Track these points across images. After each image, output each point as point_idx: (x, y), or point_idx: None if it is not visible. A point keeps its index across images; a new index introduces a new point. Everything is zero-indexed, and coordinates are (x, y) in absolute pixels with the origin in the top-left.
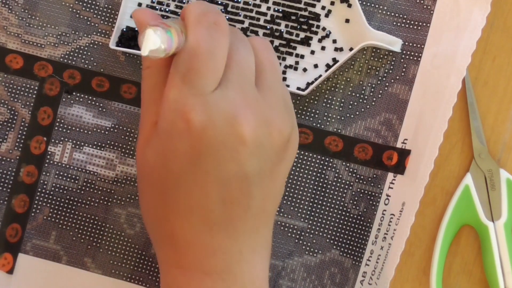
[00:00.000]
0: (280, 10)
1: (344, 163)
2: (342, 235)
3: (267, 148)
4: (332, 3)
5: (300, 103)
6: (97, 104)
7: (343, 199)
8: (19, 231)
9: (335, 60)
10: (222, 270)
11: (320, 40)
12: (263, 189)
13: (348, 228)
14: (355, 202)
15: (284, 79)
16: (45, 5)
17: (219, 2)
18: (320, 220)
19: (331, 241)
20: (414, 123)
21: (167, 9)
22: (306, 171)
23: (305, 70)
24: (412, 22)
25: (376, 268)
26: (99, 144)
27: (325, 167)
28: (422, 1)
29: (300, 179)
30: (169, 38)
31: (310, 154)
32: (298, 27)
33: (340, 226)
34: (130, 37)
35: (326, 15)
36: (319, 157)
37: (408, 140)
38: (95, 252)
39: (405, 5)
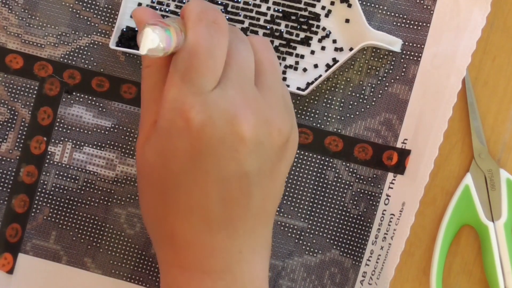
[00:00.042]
0: (280, 10)
1: (344, 163)
2: (342, 235)
3: (267, 147)
4: (332, 3)
5: (300, 103)
6: (97, 104)
7: (343, 199)
8: (19, 231)
9: (335, 60)
10: (222, 270)
11: (320, 40)
12: (263, 188)
13: (348, 228)
14: (355, 202)
15: (284, 79)
16: (45, 5)
17: (219, 2)
18: (320, 220)
19: (331, 241)
20: (414, 123)
21: (167, 9)
22: (306, 171)
23: (305, 70)
24: (412, 22)
25: (376, 268)
26: (99, 144)
27: (325, 167)
28: (422, 1)
29: (300, 179)
30: (168, 37)
31: (310, 154)
32: (298, 27)
33: (340, 226)
34: (130, 37)
35: (326, 15)
36: (319, 157)
37: (408, 140)
38: (95, 252)
39: (405, 5)
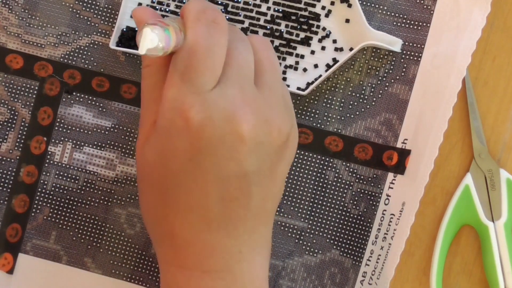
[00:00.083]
0: (280, 10)
1: (344, 163)
2: (342, 235)
3: (267, 146)
4: (332, 3)
5: (300, 103)
6: (97, 104)
7: (343, 199)
8: (19, 231)
9: (335, 60)
10: (221, 269)
11: (320, 40)
12: (263, 188)
13: (348, 228)
14: (355, 202)
15: (284, 79)
16: (45, 5)
17: (219, 2)
18: (320, 220)
19: (331, 241)
20: (414, 123)
21: (167, 9)
22: (306, 171)
23: (305, 70)
24: (412, 22)
25: (376, 268)
26: (99, 144)
27: (325, 167)
28: (422, 1)
29: (300, 179)
30: (167, 36)
31: (310, 154)
32: (298, 27)
33: (340, 226)
34: (130, 37)
35: (326, 15)
36: (319, 157)
37: (408, 140)
38: (95, 252)
39: (405, 5)
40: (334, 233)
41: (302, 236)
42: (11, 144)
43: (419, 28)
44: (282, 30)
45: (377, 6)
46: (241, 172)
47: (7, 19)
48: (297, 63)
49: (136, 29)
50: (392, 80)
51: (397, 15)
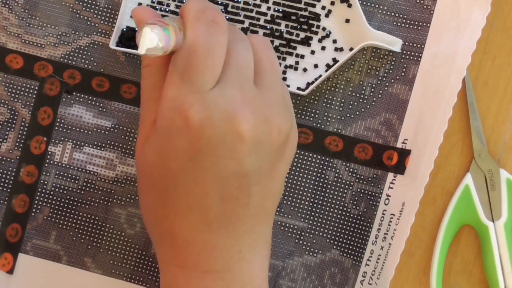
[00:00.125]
0: (280, 10)
1: (344, 163)
2: (342, 235)
3: (266, 146)
4: (332, 3)
5: (300, 103)
6: (97, 104)
7: (343, 199)
8: (19, 231)
9: (335, 60)
10: (221, 269)
11: (320, 40)
12: (262, 187)
13: (348, 228)
14: (355, 202)
15: (284, 79)
16: (45, 5)
17: (219, 2)
18: (320, 220)
19: (331, 241)
20: (414, 123)
21: (167, 9)
22: (306, 171)
23: (305, 70)
24: (412, 22)
25: (376, 268)
26: (99, 144)
27: (325, 167)
28: (422, 1)
29: (300, 179)
30: (167, 36)
31: (310, 154)
32: (298, 27)
33: (340, 226)
34: (130, 37)
35: (326, 15)
36: (319, 157)
37: (408, 140)
38: (95, 252)
39: (405, 5)
40: (334, 233)
41: (302, 236)
42: (11, 144)
43: (419, 28)
44: (282, 30)
45: (377, 6)
46: (241, 172)
47: (7, 19)
48: (297, 63)
49: (136, 29)
50: (392, 80)
51: (397, 15)
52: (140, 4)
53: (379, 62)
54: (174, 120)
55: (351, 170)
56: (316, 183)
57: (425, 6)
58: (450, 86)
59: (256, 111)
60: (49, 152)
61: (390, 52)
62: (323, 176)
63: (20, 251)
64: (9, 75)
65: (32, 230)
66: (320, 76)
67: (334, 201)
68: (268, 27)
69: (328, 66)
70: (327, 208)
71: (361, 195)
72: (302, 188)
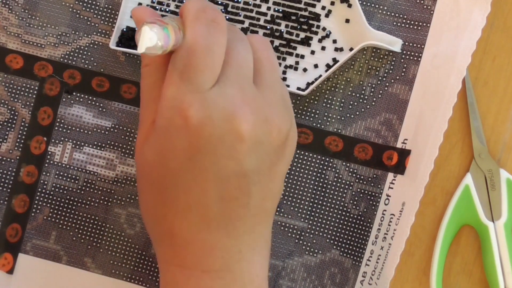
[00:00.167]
0: (280, 10)
1: (344, 163)
2: (342, 235)
3: (266, 145)
4: (332, 3)
5: (300, 103)
6: (97, 104)
7: (343, 199)
8: (19, 231)
9: (335, 60)
10: (221, 269)
11: (320, 40)
12: (262, 187)
13: (348, 228)
14: (355, 202)
15: (284, 79)
16: (45, 5)
17: (219, 2)
18: (320, 220)
19: (331, 241)
20: (414, 123)
21: (167, 9)
22: (306, 171)
23: (305, 70)
24: (412, 22)
25: (376, 268)
26: (99, 144)
27: (325, 167)
28: (422, 1)
29: (300, 179)
30: (166, 35)
31: (310, 154)
32: (298, 27)
33: (340, 226)
34: (130, 37)
35: (326, 15)
36: (319, 157)
37: (408, 140)
38: (95, 252)
39: (405, 5)
40: (334, 233)
41: (302, 236)
42: (11, 144)
43: (419, 28)
44: (282, 30)
45: (377, 6)
46: (240, 172)
47: (7, 19)
48: (297, 63)
49: (136, 29)
50: (392, 80)
51: (397, 15)
52: (140, 4)
53: (379, 62)
54: (174, 119)
55: (351, 170)
56: (316, 183)
57: (425, 6)
58: (450, 86)
59: (256, 111)
60: (49, 152)
61: (390, 52)
62: (323, 176)
63: (20, 251)
64: (9, 75)
65: (32, 230)
66: (320, 76)
67: (334, 201)
68: (268, 27)
69: (328, 66)
70: (327, 208)
71: (361, 195)
72: (302, 188)
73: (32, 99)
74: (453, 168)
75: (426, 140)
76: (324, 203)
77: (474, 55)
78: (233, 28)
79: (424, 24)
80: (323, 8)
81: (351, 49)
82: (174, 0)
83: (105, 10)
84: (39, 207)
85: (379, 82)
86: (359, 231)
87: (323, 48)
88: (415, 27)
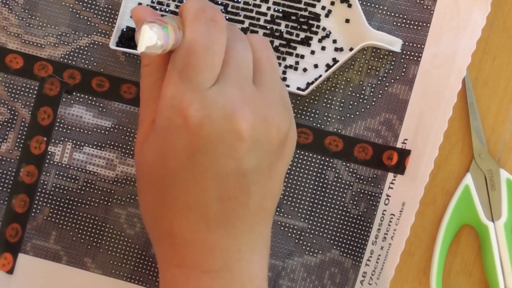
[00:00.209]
0: (280, 10)
1: (344, 163)
2: (342, 235)
3: (265, 145)
4: (332, 3)
5: (300, 103)
6: (97, 104)
7: (343, 199)
8: (19, 231)
9: (335, 60)
10: (220, 268)
11: (320, 40)
12: (262, 186)
13: (348, 228)
14: (355, 202)
15: (284, 79)
16: (45, 5)
17: (219, 2)
18: (320, 220)
19: (331, 241)
20: (414, 123)
21: (167, 9)
22: (306, 171)
23: (305, 70)
24: (412, 22)
25: (376, 268)
26: (99, 144)
27: (325, 167)
28: (422, 1)
29: (300, 179)
30: (166, 34)
31: (310, 154)
32: (298, 27)
33: (340, 226)
34: (130, 37)
35: (326, 15)
36: (319, 157)
37: (408, 140)
38: (95, 252)
39: (405, 5)
40: (334, 233)
41: (302, 236)
42: (11, 144)
43: (419, 28)
44: (282, 30)
45: (377, 6)
46: (240, 171)
47: (7, 19)
48: (297, 63)
49: (136, 28)
50: (392, 80)
51: (397, 15)
52: (140, 4)
53: (379, 62)
54: (173, 118)
55: (351, 170)
56: (316, 183)
57: (425, 6)
58: (450, 86)
59: (255, 110)
60: (49, 152)
61: (390, 52)
62: (323, 176)
63: (20, 251)
64: (9, 75)
65: (32, 230)
66: (320, 76)
67: (334, 201)
68: (268, 27)
69: (328, 66)
70: (327, 208)
71: (361, 195)
72: (302, 188)
73: (32, 99)
74: (453, 168)
75: (426, 140)
76: (324, 203)
77: (474, 55)
78: (232, 28)
79: (424, 24)
80: (323, 8)
81: (351, 49)
82: (174, 0)
83: (105, 10)
84: (39, 207)
85: (379, 82)
86: (359, 231)
87: (323, 48)
88: (415, 27)
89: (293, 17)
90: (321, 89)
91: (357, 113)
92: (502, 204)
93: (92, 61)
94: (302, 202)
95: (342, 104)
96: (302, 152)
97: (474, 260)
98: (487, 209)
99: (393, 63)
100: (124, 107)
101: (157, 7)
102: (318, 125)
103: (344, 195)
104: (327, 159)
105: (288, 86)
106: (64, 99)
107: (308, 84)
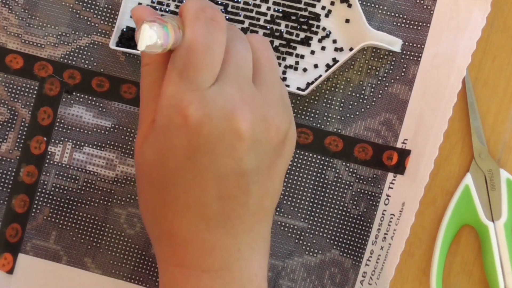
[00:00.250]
0: (280, 10)
1: (344, 163)
2: (342, 235)
3: (265, 144)
4: (332, 3)
5: (300, 103)
6: (97, 104)
7: (343, 199)
8: (19, 231)
9: (335, 60)
10: (220, 268)
11: (320, 40)
12: (261, 186)
13: (348, 228)
14: (355, 202)
15: (284, 79)
16: (45, 5)
17: (219, 2)
18: (320, 220)
19: (331, 241)
20: (414, 123)
21: (167, 9)
22: (306, 171)
23: (305, 70)
24: (412, 22)
25: (376, 268)
26: (99, 144)
27: (325, 167)
28: (422, 1)
29: (300, 179)
30: (166, 34)
31: (310, 154)
32: (298, 27)
33: (340, 226)
34: (130, 37)
35: (326, 15)
36: (319, 157)
37: (408, 140)
38: (95, 252)
39: (405, 5)
40: (334, 233)
41: (302, 236)
42: (11, 144)
43: (419, 28)
44: (282, 30)
45: (377, 6)
46: (239, 170)
47: (7, 19)
48: (297, 63)
49: (136, 28)
50: (392, 80)
51: (397, 15)
52: (140, 4)
53: (379, 62)
54: (173, 118)
55: (351, 170)
56: (316, 183)
57: (425, 6)
58: (450, 86)
59: (255, 110)
60: (49, 152)
61: (390, 52)
62: (323, 176)
63: (20, 251)
64: (9, 75)
65: (32, 230)
66: (320, 76)
67: (334, 201)
68: (268, 27)
69: (328, 66)
70: (327, 208)
71: (361, 195)
72: (302, 188)
73: (32, 99)
74: (453, 168)
75: (426, 140)
76: (324, 203)
77: (474, 55)
78: (232, 28)
79: (424, 24)
80: (323, 8)
81: (351, 49)
82: (174, 0)
83: (105, 10)
84: (39, 207)
85: (379, 82)
86: (359, 231)
87: (323, 48)
88: (415, 27)
89: (293, 17)
90: (321, 89)
91: (357, 113)
92: (502, 204)
93: (92, 61)
94: (302, 202)
95: (342, 104)
96: (302, 152)
97: (474, 260)
98: (487, 209)
99: (393, 63)
100: (124, 107)
101: (157, 7)
102: (318, 125)
103: (344, 195)
104: (327, 159)
105: (288, 86)
106: (64, 99)
107: (308, 84)
